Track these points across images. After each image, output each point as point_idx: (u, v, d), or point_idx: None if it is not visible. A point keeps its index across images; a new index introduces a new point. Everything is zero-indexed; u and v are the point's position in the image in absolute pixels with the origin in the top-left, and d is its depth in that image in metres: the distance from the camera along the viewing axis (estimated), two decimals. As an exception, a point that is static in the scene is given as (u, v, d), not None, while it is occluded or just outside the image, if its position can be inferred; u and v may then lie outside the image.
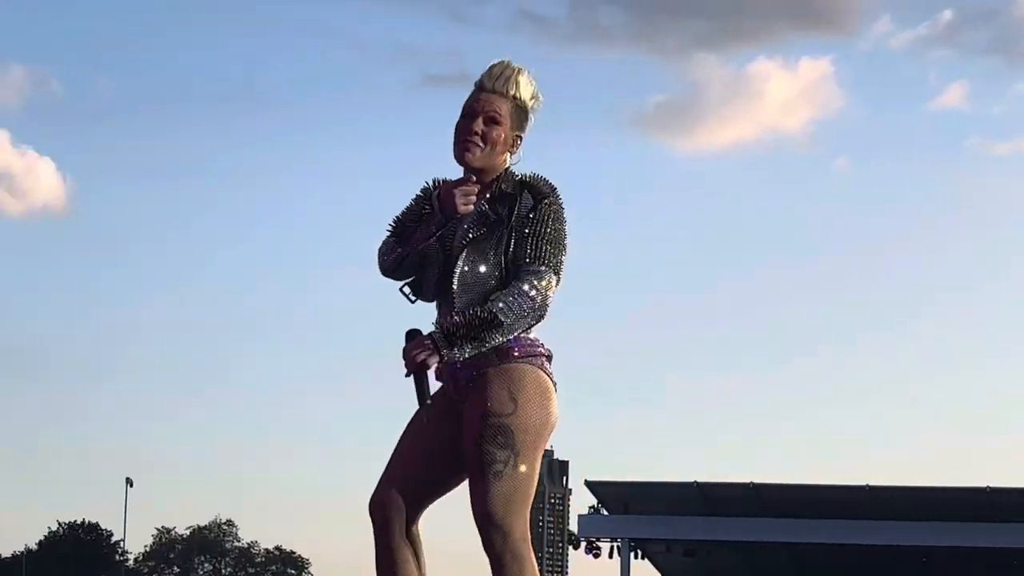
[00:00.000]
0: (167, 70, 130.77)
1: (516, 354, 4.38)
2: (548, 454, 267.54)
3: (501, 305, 4.29)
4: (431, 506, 4.52)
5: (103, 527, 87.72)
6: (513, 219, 4.42)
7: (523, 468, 4.31)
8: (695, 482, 43.96)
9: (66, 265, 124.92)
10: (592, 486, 45.92)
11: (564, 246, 4.43)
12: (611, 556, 44.98)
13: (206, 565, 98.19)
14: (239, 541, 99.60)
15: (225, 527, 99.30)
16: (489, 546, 4.33)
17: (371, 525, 4.44)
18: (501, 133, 4.47)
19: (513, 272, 4.39)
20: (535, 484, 4.34)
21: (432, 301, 4.53)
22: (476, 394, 4.38)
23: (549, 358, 4.46)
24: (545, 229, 4.40)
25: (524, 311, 4.31)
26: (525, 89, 4.53)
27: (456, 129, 4.51)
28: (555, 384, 4.45)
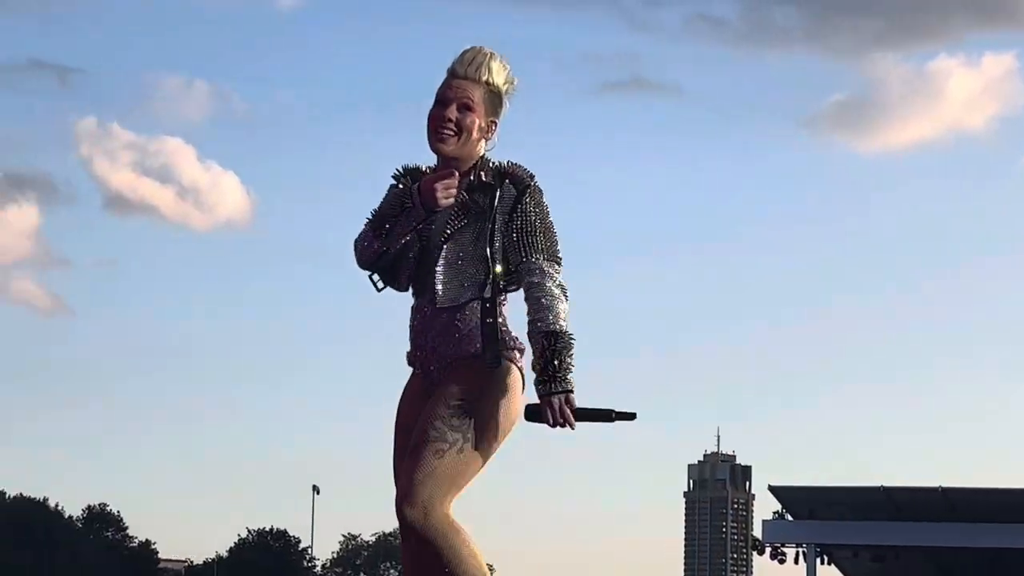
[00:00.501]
0: (344, 83, 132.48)
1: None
2: (730, 459, 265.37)
3: (544, 318, 4.28)
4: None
5: (291, 534, 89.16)
6: (496, 210, 4.38)
7: (466, 456, 4.26)
8: (881, 486, 43.24)
9: (250, 276, 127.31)
10: (776, 491, 45.40)
11: (553, 232, 4.41)
12: (797, 562, 44.45)
13: (392, 572, 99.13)
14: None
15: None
16: (406, 524, 4.25)
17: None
18: (475, 120, 4.42)
19: (509, 272, 4.37)
20: (472, 477, 4.29)
21: (405, 290, 4.50)
22: (449, 376, 4.37)
23: (522, 352, 4.43)
24: (532, 221, 4.38)
25: (563, 309, 4.30)
26: (498, 74, 4.47)
27: (429, 117, 4.46)
28: (522, 372, 4.41)
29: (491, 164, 4.47)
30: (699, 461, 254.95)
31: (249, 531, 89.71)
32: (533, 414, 4.27)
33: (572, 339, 4.28)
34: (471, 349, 4.37)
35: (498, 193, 4.40)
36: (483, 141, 4.47)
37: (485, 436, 4.31)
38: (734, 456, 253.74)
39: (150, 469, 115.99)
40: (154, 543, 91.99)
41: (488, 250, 4.37)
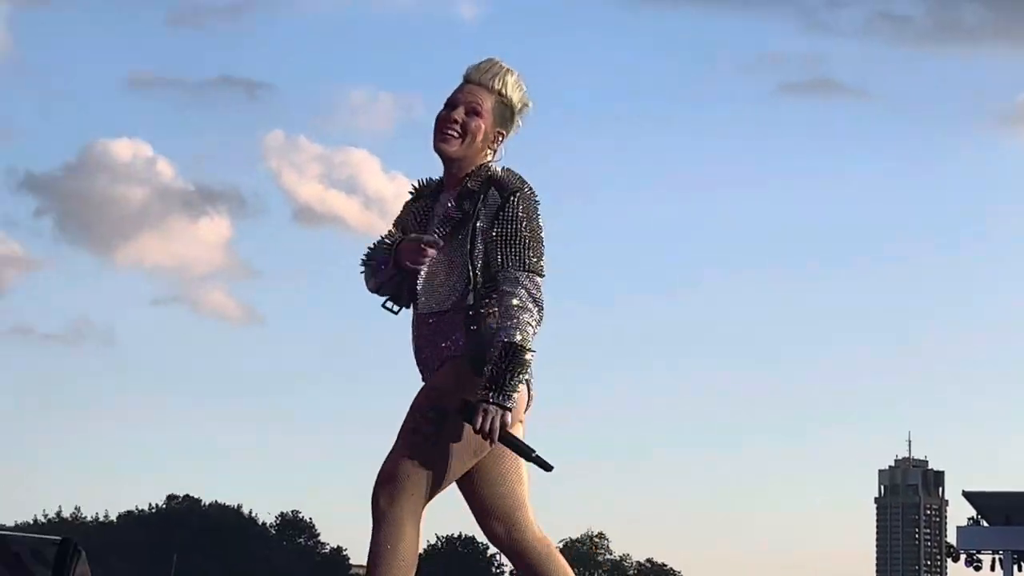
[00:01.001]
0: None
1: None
2: (922, 464, 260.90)
3: (505, 330, 4.20)
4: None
5: (479, 540, 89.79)
6: (480, 218, 4.31)
7: (440, 448, 4.23)
8: (1081, 492, 42.16)
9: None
10: (971, 497, 44.63)
11: (537, 242, 4.32)
12: (993, 569, 43.62)
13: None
14: (611, 554, 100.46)
15: (596, 540, 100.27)
16: (375, 504, 4.26)
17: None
18: (481, 125, 4.41)
19: (492, 279, 4.30)
20: (448, 475, 4.26)
21: (408, 306, 4.48)
22: (434, 375, 4.36)
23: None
24: (514, 228, 4.30)
25: (523, 321, 4.22)
26: (513, 89, 4.46)
27: (436, 118, 4.44)
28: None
29: (487, 172, 4.41)
30: (890, 466, 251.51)
31: (437, 537, 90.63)
32: (465, 412, 4.20)
33: (528, 356, 4.21)
34: (456, 354, 4.34)
35: (481, 199, 4.35)
36: (488, 151, 4.45)
37: (458, 430, 4.25)
38: (926, 461, 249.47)
39: (342, 476, 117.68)
40: (345, 549, 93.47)
41: (470, 258, 4.33)
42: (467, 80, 4.46)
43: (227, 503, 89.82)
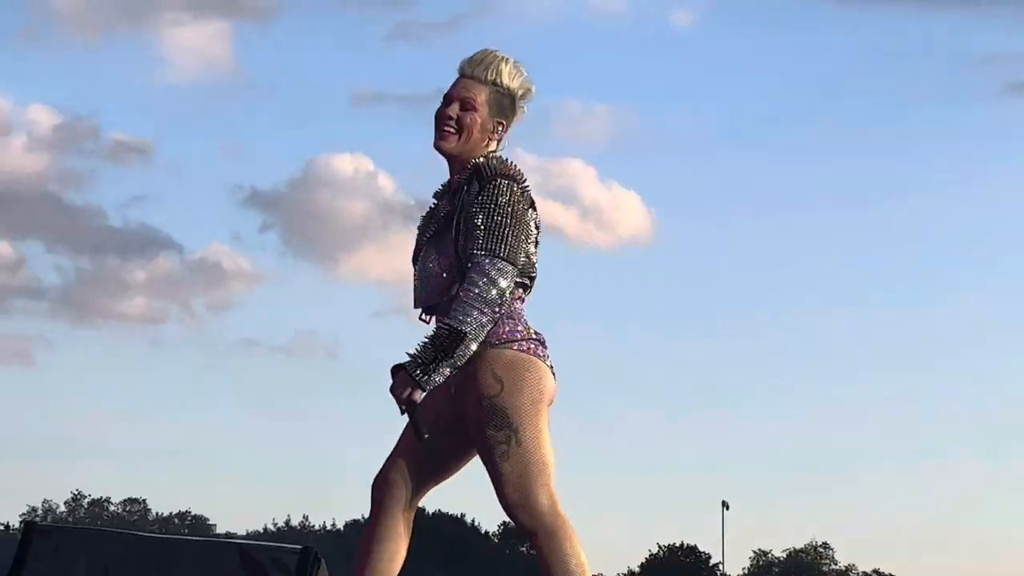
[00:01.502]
0: (747, 98, 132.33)
1: (495, 342, 4.29)
2: None
3: (455, 315, 4.19)
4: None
5: (701, 550, 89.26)
6: (465, 210, 4.32)
7: (525, 443, 4.25)
8: None
9: (649, 294, 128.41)
10: None
11: (507, 227, 4.26)
12: None
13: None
14: (836, 564, 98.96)
15: (821, 550, 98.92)
16: (520, 527, 4.31)
17: (370, 502, 4.41)
18: (476, 119, 4.41)
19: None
20: (546, 455, 4.28)
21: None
22: (467, 383, 4.32)
23: (534, 341, 4.37)
24: (486, 215, 4.27)
25: (476, 312, 4.20)
26: (510, 77, 4.44)
27: (435, 116, 4.41)
28: (545, 361, 4.36)
29: (473, 163, 4.41)
30: None
31: (660, 546, 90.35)
32: (393, 372, 4.23)
33: (465, 344, 4.18)
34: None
35: (465, 190, 4.35)
36: (489, 142, 4.44)
37: (525, 420, 4.28)
38: None
39: (562, 484, 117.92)
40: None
41: (455, 249, 4.33)
42: (461, 74, 4.46)
43: (450, 512, 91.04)
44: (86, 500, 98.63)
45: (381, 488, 4.42)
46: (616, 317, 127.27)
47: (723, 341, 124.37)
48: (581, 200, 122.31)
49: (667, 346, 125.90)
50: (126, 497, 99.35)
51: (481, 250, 4.24)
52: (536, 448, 4.28)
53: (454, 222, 4.35)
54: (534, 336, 4.37)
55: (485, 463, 4.32)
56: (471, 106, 4.42)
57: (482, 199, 4.30)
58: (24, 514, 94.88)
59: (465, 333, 4.18)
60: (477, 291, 4.21)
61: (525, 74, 4.49)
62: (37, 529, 4.48)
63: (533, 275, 4.43)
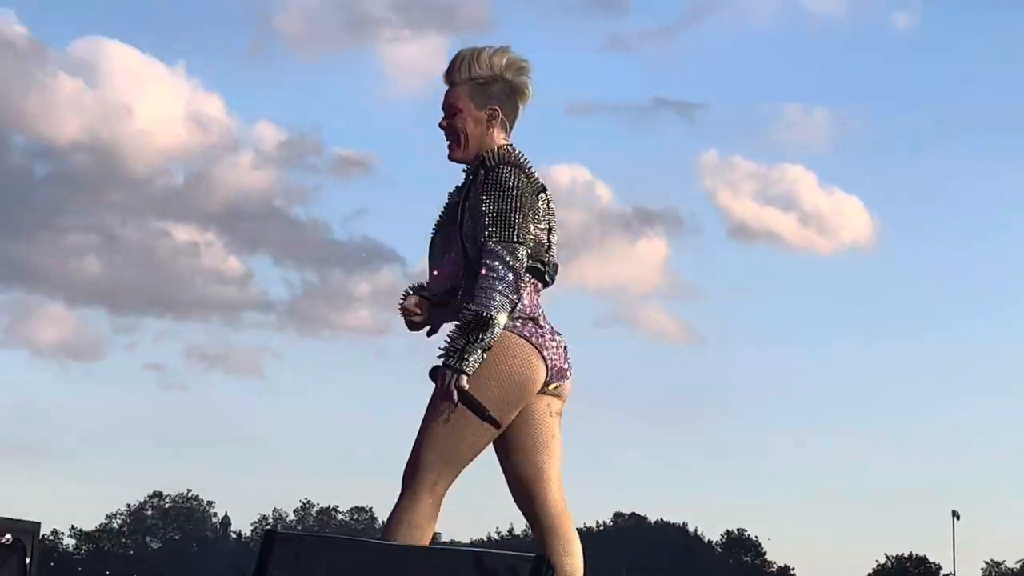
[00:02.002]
0: (969, 100, 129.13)
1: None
2: None
3: (478, 300, 4.31)
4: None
5: (931, 560, 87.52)
6: (471, 199, 4.43)
7: (463, 422, 4.35)
8: None
9: (872, 300, 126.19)
10: None
11: (512, 211, 4.35)
12: None
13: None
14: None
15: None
16: (402, 478, 4.45)
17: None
18: (464, 119, 4.52)
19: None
20: (482, 441, 4.40)
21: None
22: None
23: (524, 319, 4.45)
24: (492, 199, 4.36)
25: (497, 294, 4.30)
26: (483, 65, 4.51)
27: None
28: (532, 342, 4.44)
29: (483, 155, 4.50)
30: None
31: (888, 557, 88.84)
32: (431, 376, 4.39)
33: (492, 326, 4.30)
34: None
35: (472, 180, 4.47)
36: (491, 130, 4.54)
37: (491, 401, 4.37)
38: None
39: (788, 495, 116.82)
40: (793, 569, 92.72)
41: (460, 237, 4.45)
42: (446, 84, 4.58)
43: (673, 521, 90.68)
44: (314, 509, 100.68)
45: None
46: (859, 325, 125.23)
47: (954, 346, 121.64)
48: (801, 206, 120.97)
49: (908, 351, 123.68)
50: (353, 505, 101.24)
51: (493, 236, 4.35)
52: (465, 432, 4.39)
53: (459, 210, 4.48)
54: (520, 315, 4.45)
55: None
56: (455, 110, 4.54)
57: (488, 186, 4.40)
58: (255, 523, 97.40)
59: (490, 316, 4.31)
60: (495, 275, 4.32)
61: (509, 55, 4.57)
62: (277, 537, 4.58)
63: (544, 259, 4.53)
